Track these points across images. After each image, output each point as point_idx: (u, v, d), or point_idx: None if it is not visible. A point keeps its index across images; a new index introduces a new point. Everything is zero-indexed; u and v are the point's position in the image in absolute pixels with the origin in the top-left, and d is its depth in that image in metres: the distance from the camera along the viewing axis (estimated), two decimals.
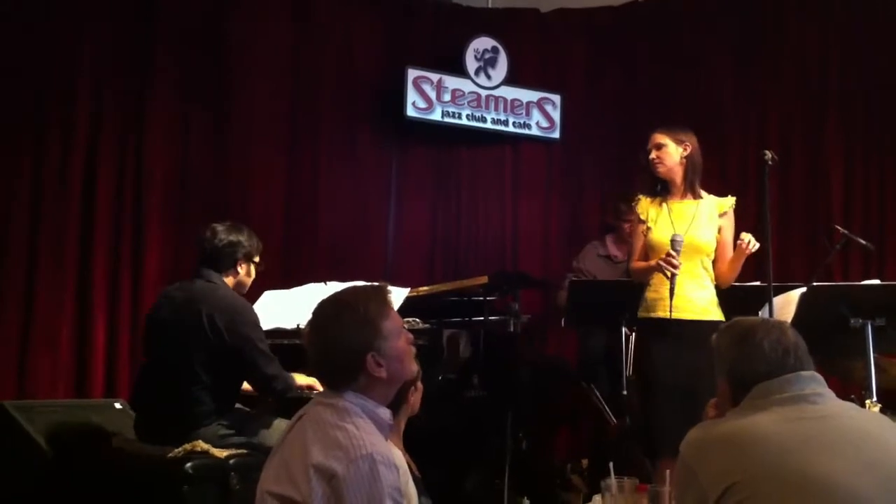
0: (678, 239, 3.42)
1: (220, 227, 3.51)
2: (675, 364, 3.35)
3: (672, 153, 3.62)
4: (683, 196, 3.62)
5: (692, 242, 3.52)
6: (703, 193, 3.65)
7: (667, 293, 3.43)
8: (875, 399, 3.26)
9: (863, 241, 4.47)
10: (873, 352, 3.34)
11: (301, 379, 3.58)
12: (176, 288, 3.56)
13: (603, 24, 6.17)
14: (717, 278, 3.58)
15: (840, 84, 5.57)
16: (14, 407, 3.78)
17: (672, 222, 3.53)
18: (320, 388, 3.58)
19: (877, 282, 4.02)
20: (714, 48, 5.93)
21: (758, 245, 3.45)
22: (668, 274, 3.40)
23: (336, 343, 2.02)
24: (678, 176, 3.62)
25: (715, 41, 5.94)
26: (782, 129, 5.68)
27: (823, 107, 5.59)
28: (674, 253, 3.40)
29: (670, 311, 3.40)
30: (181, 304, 3.41)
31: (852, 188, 5.50)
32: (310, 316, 2.11)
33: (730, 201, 3.65)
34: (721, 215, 3.62)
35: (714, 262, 3.58)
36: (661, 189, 3.64)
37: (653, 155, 3.64)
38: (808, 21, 5.69)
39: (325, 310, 2.08)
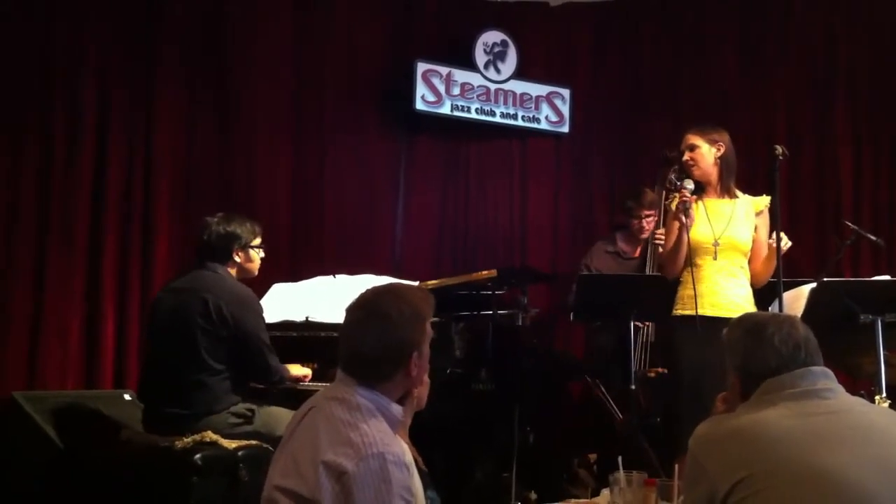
0: (689, 184, 3.52)
1: (212, 220, 3.53)
2: (710, 361, 3.31)
3: (706, 154, 3.60)
4: (720, 196, 3.61)
5: (731, 242, 3.53)
6: (738, 193, 3.64)
7: (703, 290, 3.43)
8: (884, 395, 3.25)
9: (873, 237, 4.47)
10: (883, 347, 3.34)
11: (295, 370, 3.61)
12: (179, 279, 3.57)
13: (612, 18, 6.15)
14: (752, 277, 3.58)
15: (847, 74, 5.55)
16: (24, 398, 3.80)
17: (709, 221, 3.51)
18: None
19: (887, 277, 4.01)
20: (722, 40, 5.92)
21: (790, 243, 3.46)
22: (685, 207, 3.45)
23: (393, 334, 1.97)
24: (713, 177, 3.61)
25: (723, 34, 5.92)
26: (790, 120, 5.67)
27: (831, 97, 5.57)
28: (685, 191, 3.48)
29: (696, 309, 3.42)
30: (187, 293, 3.42)
31: (861, 182, 5.48)
32: (345, 303, 2.05)
33: (765, 200, 3.65)
34: (757, 214, 3.62)
35: (749, 261, 3.58)
36: (696, 188, 3.60)
37: (686, 157, 3.61)
38: (814, 9, 5.66)
39: (383, 298, 2.02)
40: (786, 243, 3.46)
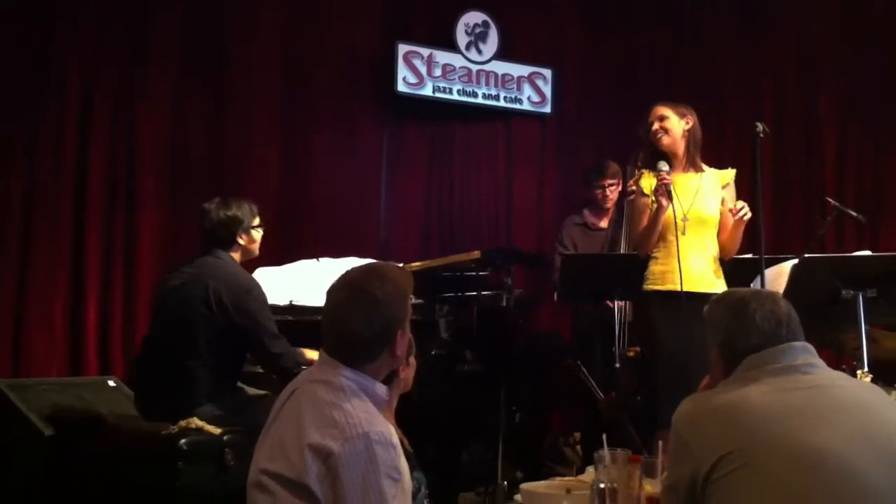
0: (664, 166, 3.51)
1: (210, 207, 3.49)
2: (684, 336, 3.32)
3: (675, 125, 3.63)
4: (686, 170, 3.63)
5: (698, 215, 3.55)
6: (704, 167, 3.67)
7: (675, 265, 3.45)
8: (866, 369, 3.28)
9: (854, 213, 4.49)
10: (865, 323, 3.36)
11: (312, 354, 3.56)
12: (187, 264, 3.53)
13: None
14: (720, 250, 3.60)
15: (835, 54, 5.56)
16: (7, 386, 3.79)
17: (677, 195, 3.53)
18: None
19: (868, 253, 4.03)
20: (711, 17, 5.92)
21: (749, 214, 3.47)
22: (666, 189, 3.44)
23: (380, 314, 1.97)
24: (680, 149, 3.64)
25: (712, 11, 5.92)
26: (777, 99, 5.68)
27: (817, 78, 5.59)
28: (663, 173, 3.48)
29: (681, 285, 3.42)
30: (190, 279, 3.40)
31: (845, 160, 5.51)
32: (326, 285, 2.04)
33: (731, 173, 3.69)
34: (723, 187, 3.65)
35: (718, 234, 3.61)
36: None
37: (656, 126, 3.64)
38: None
39: (366, 278, 2.01)
40: (745, 212, 3.48)
